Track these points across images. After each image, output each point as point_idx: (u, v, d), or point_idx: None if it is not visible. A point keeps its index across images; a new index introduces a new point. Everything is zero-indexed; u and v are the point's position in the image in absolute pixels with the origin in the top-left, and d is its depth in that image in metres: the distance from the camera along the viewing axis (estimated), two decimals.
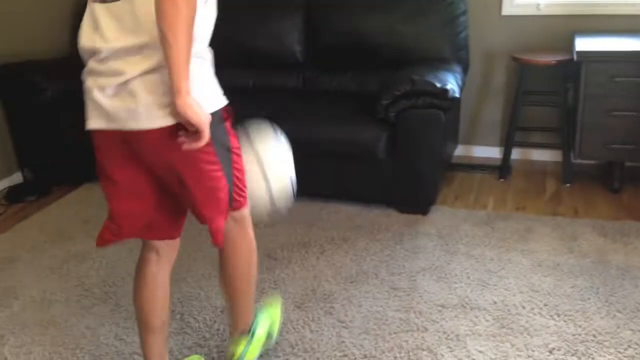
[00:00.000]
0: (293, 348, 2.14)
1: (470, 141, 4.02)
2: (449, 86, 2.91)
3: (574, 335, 2.13)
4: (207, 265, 2.72)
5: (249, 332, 1.96)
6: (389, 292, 2.46)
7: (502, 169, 3.64)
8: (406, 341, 2.15)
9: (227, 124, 1.63)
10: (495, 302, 2.35)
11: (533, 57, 3.42)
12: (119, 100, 1.47)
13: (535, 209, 3.19)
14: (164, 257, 1.79)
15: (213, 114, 1.49)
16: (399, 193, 3.15)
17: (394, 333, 2.20)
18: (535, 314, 2.27)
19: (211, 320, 2.33)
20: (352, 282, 2.54)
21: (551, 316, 2.25)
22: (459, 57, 3.48)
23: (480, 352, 2.07)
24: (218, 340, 2.20)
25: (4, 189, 3.73)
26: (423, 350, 2.10)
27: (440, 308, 2.34)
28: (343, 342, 2.16)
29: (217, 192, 1.63)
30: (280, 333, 2.22)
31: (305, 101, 3.54)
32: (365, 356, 2.08)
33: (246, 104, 3.52)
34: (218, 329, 2.26)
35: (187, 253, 2.83)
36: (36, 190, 3.67)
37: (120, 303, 2.46)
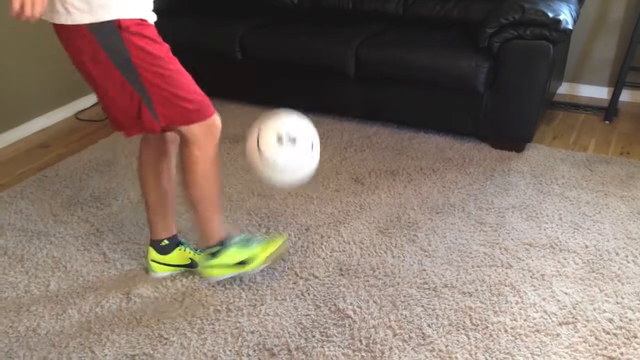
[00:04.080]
0: (374, 271, 2.16)
1: (576, 79, 3.79)
2: (561, 17, 2.72)
3: None
4: None
5: (207, 250, 2.03)
6: (475, 226, 2.41)
7: (609, 110, 3.42)
8: (489, 275, 2.12)
9: (128, 36, 1.60)
10: (586, 246, 2.27)
11: None
12: None
13: None
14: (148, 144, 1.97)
15: (101, 24, 1.55)
16: (494, 128, 3.03)
17: (477, 266, 2.17)
18: (629, 262, 2.17)
19: (295, 236, 2.38)
20: (437, 213, 2.52)
21: None
22: None
23: (565, 293, 2.01)
24: (301, 257, 2.25)
25: None
26: (506, 286, 2.07)
27: (527, 247, 2.28)
28: (424, 270, 2.16)
29: (122, 101, 1.70)
30: (362, 256, 2.24)
31: (404, 27, 3.43)
32: (445, 285, 2.08)
33: (344, 27, 3.46)
34: (302, 245, 2.32)
35: None
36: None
37: None
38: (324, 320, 1.94)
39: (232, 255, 2.03)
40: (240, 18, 3.66)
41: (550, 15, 2.70)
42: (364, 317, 1.94)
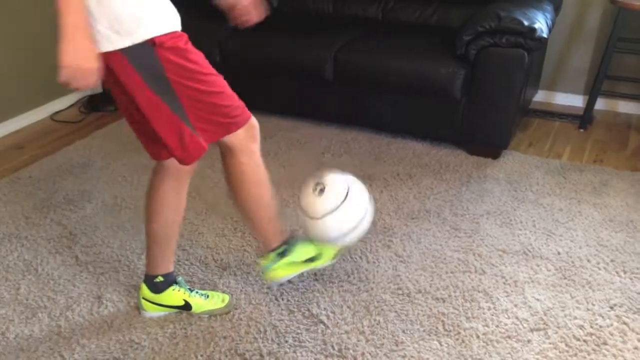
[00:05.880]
0: (348, 276, 2.17)
1: (552, 87, 3.83)
2: (536, 25, 2.75)
3: (638, 293, 2.06)
4: None
5: (275, 251, 2.00)
6: (450, 232, 2.43)
7: (584, 118, 3.46)
8: (462, 281, 2.13)
9: (163, 52, 1.52)
10: (559, 253, 2.29)
11: (632, 0, 3.17)
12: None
13: (615, 162, 3.04)
14: (166, 171, 1.81)
15: (131, 48, 1.48)
16: (470, 134, 3.06)
17: (451, 272, 2.18)
18: (600, 269, 2.19)
19: None
20: (413, 219, 2.53)
21: (617, 272, 2.17)
22: None
23: (537, 299, 2.03)
24: None
25: (85, 97, 3.87)
26: (479, 292, 2.08)
27: (500, 253, 2.29)
28: (398, 275, 2.17)
29: (162, 121, 1.60)
30: (337, 261, 2.24)
31: (383, 32, 3.44)
32: (419, 291, 2.08)
33: (323, 31, 3.47)
34: None
35: None
36: (114, 102, 3.77)
37: (186, 216, 2.53)
38: (297, 325, 1.93)
39: (300, 251, 2.03)
40: (220, 21, 3.64)
41: (526, 23, 2.73)
42: (337, 323, 1.94)
